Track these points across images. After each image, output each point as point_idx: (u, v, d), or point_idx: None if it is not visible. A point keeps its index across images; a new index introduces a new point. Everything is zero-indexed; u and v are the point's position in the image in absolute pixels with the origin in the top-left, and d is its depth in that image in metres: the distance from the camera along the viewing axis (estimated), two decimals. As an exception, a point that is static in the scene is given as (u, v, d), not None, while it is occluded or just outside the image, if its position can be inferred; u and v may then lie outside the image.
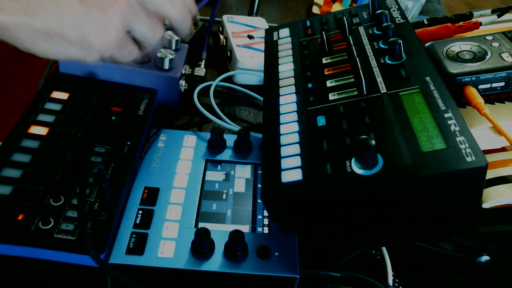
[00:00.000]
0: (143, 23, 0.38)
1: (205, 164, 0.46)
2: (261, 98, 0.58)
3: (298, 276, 0.37)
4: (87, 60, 0.36)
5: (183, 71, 0.55)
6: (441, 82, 0.37)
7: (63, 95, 0.48)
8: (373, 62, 0.42)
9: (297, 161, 0.35)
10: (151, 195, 0.42)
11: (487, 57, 0.41)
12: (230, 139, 0.49)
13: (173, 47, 0.55)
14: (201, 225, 0.41)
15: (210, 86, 0.56)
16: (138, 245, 0.38)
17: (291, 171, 0.35)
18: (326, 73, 0.43)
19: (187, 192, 0.43)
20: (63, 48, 0.34)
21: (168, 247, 0.38)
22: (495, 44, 0.42)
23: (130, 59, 0.39)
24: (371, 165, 0.32)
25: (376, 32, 0.46)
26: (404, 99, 0.37)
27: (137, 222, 0.40)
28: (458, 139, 0.31)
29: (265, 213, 0.42)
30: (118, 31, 0.35)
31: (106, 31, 0.35)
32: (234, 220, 0.41)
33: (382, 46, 0.43)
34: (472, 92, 0.39)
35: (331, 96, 0.40)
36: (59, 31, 0.33)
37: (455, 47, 0.43)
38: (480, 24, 0.49)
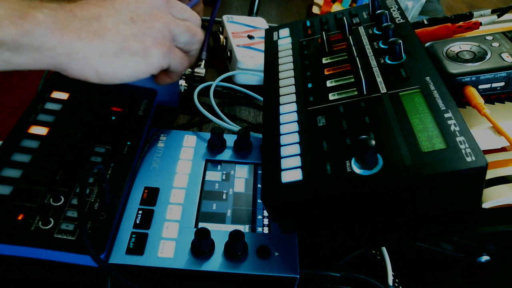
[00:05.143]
0: (183, 29, 0.43)
1: (205, 164, 0.46)
2: (261, 98, 0.58)
3: (298, 276, 0.37)
4: (150, 71, 0.41)
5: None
6: (441, 82, 0.37)
7: (63, 95, 0.48)
8: (373, 62, 0.42)
9: (297, 161, 0.35)
10: (151, 195, 0.42)
11: (487, 57, 0.41)
12: (230, 139, 0.49)
13: (173, 47, 0.55)
14: (201, 225, 0.41)
15: (210, 86, 0.56)
16: (138, 245, 0.38)
17: (291, 171, 0.35)
18: (326, 73, 0.43)
19: (187, 192, 0.43)
20: (131, 62, 0.39)
21: (168, 247, 0.38)
22: (495, 44, 0.42)
23: (185, 66, 0.45)
24: (371, 165, 0.32)
25: (376, 32, 0.46)
26: (404, 99, 0.37)
27: (137, 222, 0.40)
28: (458, 139, 0.31)
29: (265, 213, 0.42)
30: (167, 36, 0.42)
31: (159, 38, 0.41)
32: (234, 220, 0.41)
33: (382, 46, 0.43)
34: (472, 92, 0.39)
35: (331, 96, 0.40)
36: (126, 46, 0.38)
37: (455, 47, 0.43)
38: (480, 24, 0.49)
